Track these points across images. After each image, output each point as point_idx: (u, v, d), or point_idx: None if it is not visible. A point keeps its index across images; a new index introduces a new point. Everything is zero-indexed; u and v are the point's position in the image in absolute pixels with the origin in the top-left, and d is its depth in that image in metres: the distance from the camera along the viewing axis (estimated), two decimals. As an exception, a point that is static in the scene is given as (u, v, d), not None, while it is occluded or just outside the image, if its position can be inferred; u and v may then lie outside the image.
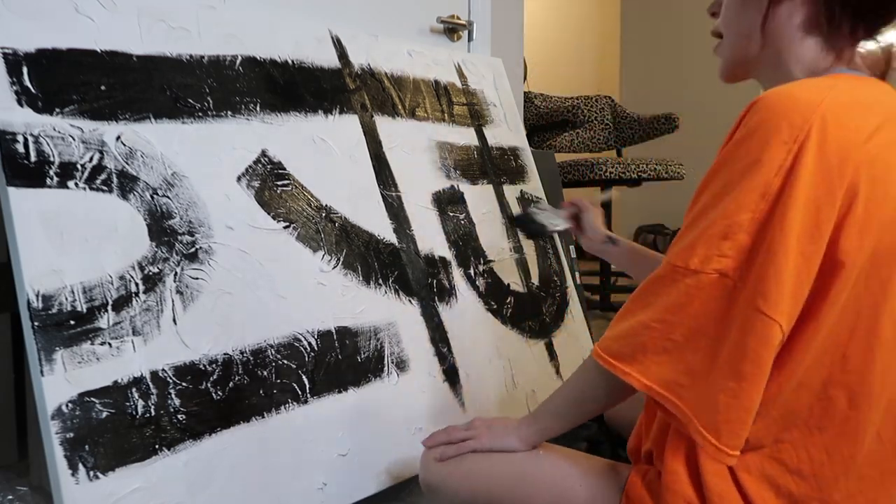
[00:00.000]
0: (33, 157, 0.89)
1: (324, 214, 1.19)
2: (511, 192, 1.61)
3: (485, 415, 1.29)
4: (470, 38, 1.95)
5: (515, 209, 1.57)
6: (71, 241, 0.89)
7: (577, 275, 1.83)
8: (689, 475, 0.69)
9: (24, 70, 0.91)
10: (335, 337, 1.13)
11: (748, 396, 0.62)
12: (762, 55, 0.77)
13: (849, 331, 0.64)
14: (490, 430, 0.86)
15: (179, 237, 1.00)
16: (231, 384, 0.99)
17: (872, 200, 0.61)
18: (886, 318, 0.65)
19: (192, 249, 1.00)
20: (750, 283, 0.61)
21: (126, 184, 0.96)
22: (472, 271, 1.42)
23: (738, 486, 0.67)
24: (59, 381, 0.83)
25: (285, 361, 1.06)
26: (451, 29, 1.90)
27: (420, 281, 1.30)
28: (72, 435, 0.83)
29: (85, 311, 0.88)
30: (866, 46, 0.75)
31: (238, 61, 1.16)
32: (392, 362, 1.19)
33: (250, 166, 1.11)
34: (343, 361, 1.13)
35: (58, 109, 0.93)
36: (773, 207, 0.60)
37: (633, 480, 0.75)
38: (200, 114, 1.08)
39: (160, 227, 0.98)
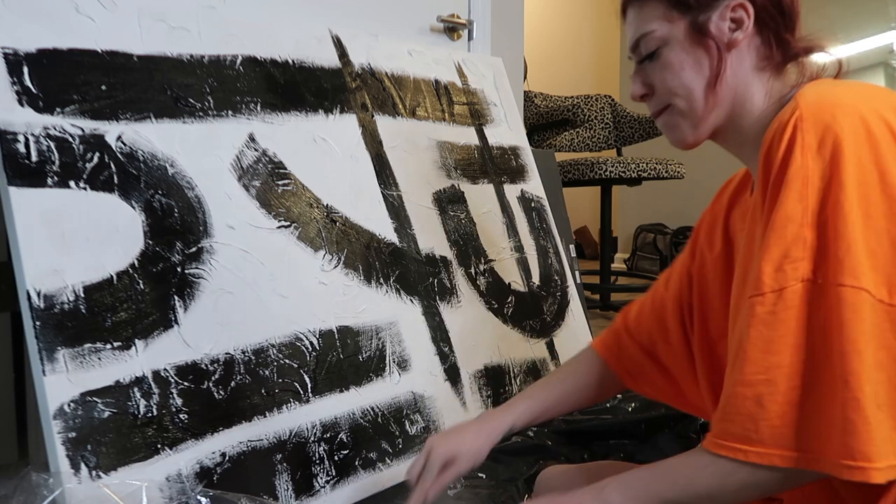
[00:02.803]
0: (34, 157, 0.89)
1: (325, 214, 1.19)
2: (511, 191, 1.61)
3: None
4: (470, 38, 1.95)
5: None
6: (72, 241, 0.89)
7: (577, 274, 1.83)
8: None
9: (25, 70, 0.91)
10: (336, 336, 1.13)
11: (866, 389, 0.53)
12: (723, 111, 0.73)
13: None
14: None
15: (180, 236, 1.00)
16: (233, 384, 0.99)
17: None
18: None
19: (194, 249, 1.00)
20: (831, 269, 0.56)
21: (127, 183, 0.96)
22: (472, 270, 1.42)
23: None
24: (61, 381, 0.83)
25: (287, 361, 1.06)
26: (452, 28, 1.90)
27: (421, 280, 1.30)
28: (74, 434, 0.83)
29: (86, 310, 0.88)
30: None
31: (238, 61, 1.16)
32: (393, 361, 1.19)
33: (251, 166, 1.11)
34: (344, 361, 1.13)
35: (58, 109, 0.93)
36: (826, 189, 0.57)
37: None
38: (201, 113, 1.08)
39: (161, 226, 0.98)
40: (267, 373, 1.03)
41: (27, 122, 0.89)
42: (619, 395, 1.58)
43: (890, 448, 0.53)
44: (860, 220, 0.56)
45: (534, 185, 1.68)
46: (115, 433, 0.86)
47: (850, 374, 0.53)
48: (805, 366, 0.56)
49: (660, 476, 0.65)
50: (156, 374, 0.92)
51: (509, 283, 1.49)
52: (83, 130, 0.94)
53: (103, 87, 0.98)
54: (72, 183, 0.91)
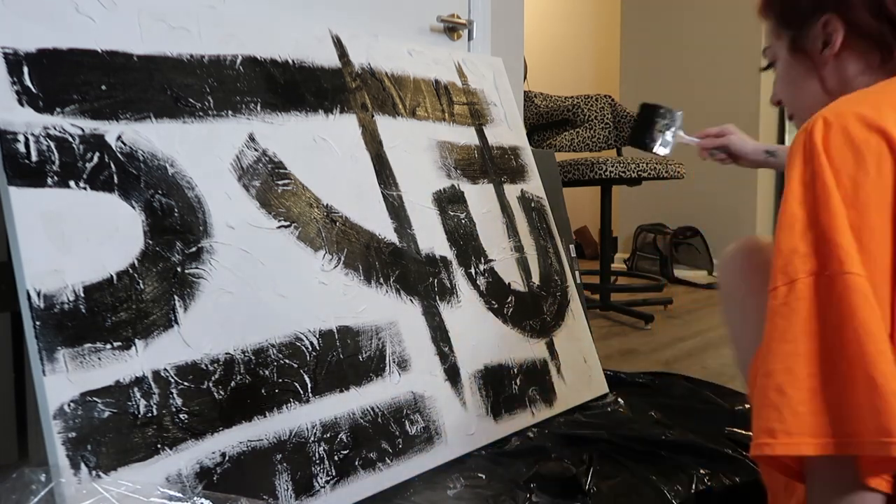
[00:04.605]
0: (34, 157, 0.89)
1: (325, 214, 1.19)
2: (511, 191, 1.61)
3: (485, 412, 1.30)
4: (470, 38, 1.95)
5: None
6: (72, 241, 0.89)
7: (577, 274, 1.83)
8: None
9: (25, 70, 0.91)
10: (336, 336, 1.13)
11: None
12: None
13: None
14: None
15: (180, 236, 1.00)
16: (233, 384, 0.99)
17: None
18: None
19: (193, 249, 1.00)
20: (836, 259, 0.57)
21: (127, 183, 0.96)
22: (472, 270, 1.42)
23: None
24: (61, 381, 0.83)
25: (287, 361, 1.06)
26: (452, 28, 1.90)
27: (421, 280, 1.30)
28: (74, 434, 0.83)
29: (86, 310, 0.88)
30: None
31: (238, 61, 1.16)
32: (393, 361, 1.19)
33: (251, 166, 1.11)
34: (344, 361, 1.13)
35: (59, 109, 0.93)
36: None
37: None
38: (201, 113, 1.08)
39: (161, 226, 0.98)
40: (267, 373, 1.03)
41: (27, 122, 0.89)
42: (619, 398, 1.58)
43: None
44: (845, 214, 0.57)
45: (534, 185, 1.68)
46: (115, 433, 0.86)
47: (866, 355, 0.54)
48: (821, 353, 0.56)
49: None
50: (156, 374, 0.92)
51: (509, 283, 1.49)
52: (83, 130, 0.94)
53: (103, 87, 0.98)
54: (72, 183, 0.91)
